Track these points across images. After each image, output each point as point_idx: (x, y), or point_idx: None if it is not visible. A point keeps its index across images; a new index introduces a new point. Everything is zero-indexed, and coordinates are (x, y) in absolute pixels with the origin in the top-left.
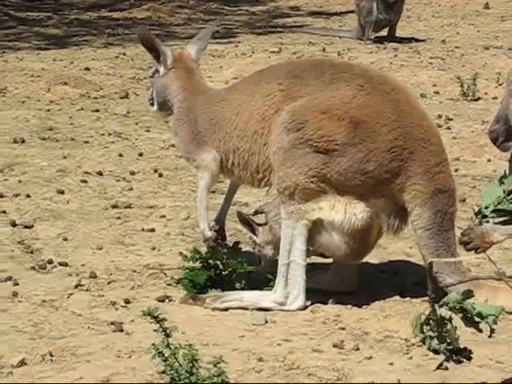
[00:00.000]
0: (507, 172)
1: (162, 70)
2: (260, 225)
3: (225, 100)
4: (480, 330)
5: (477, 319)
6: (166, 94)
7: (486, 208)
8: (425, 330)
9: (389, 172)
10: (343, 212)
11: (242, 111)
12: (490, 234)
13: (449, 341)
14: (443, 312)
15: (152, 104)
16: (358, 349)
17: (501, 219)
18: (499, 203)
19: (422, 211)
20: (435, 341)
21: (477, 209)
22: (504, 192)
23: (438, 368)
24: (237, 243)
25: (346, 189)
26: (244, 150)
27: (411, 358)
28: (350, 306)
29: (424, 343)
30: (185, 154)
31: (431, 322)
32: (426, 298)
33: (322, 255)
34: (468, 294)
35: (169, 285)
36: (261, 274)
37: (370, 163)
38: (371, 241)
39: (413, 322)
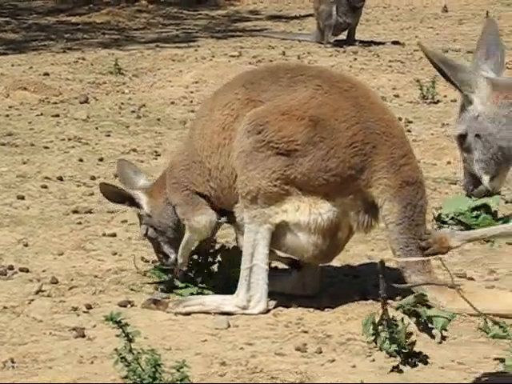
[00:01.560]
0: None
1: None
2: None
3: (190, 136)
4: (432, 336)
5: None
6: (167, 215)
7: (447, 215)
8: (379, 330)
9: (352, 168)
10: (308, 213)
11: (205, 132)
12: (449, 239)
13: (400, 342)
14: (399, 314)
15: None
16: (320, 352)
17: (457, 227)
18: (461, 214)
19: (392, 206)
20: (387, 342)
21: (436, 214)
22: (469, 207)
23: (392, 371)
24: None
25: (311, 189)
26: (215, 169)
27: (374, 360)
28: (312, 310)
29: (376, 343)
30: (182, 217)
31: (383, 322)
32: (389, 301)
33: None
34: (421, 297)
35: (131, 290)
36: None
37: (332, 160)
38: (340, 240)
39: (363, 321)
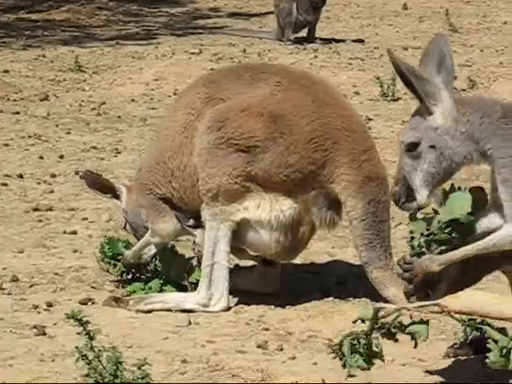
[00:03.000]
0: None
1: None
2: (198, 226)
3: (156, 139)
4: (396, 340)
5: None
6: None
7: (419, 237)
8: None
9: (313, 164)
10: (269, 210)
11: (168, 133)
12: (429, 266)
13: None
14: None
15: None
16: (281, 349)
17: (437, 250)
18: (431, 234)
19: (355, 202)
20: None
21: (410, 239)
22: (439, 222)
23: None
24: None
25: (272, 185)
26: (177, 169)
27: (335, 357)
28: (273, 307)
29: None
30: (146, 218)
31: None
32: (349, 298)
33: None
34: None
35: (92, 287)
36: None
37: (292, 156)
38: (303, 237)
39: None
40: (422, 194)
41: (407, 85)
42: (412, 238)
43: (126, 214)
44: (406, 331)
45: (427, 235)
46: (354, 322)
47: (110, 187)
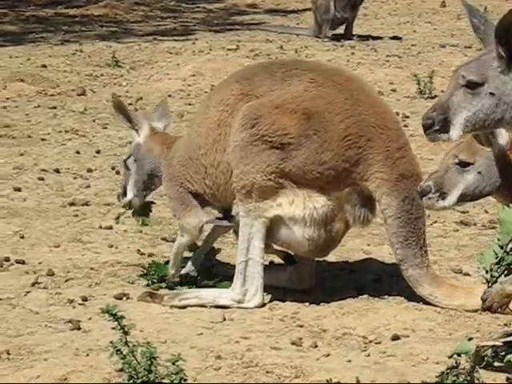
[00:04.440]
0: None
1: (141, 139)
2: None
3: (189, 134)
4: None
5: None
6: (151, 161)
7: (492, 267)
8: None
9: (347, 161)
10: (303, 207)
11: (201, 129)
12: (505, 289)
13: None
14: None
15: (124, 194)
16: (316, 346)
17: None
18: (501, 261)
19: (390, 199)
20: None
21: (482, 269)
22: (502, 248)
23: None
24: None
25: (305, 182)
26: (211, 166)
27: (369, 355)
28: (308, 304)
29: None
30: (173, 212)
31: None
32: (384, 296)
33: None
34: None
35: (129, 282)
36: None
37: (326, 153)
38: (336, 234)
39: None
40: (457, 131)
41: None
42: (486, 271)
43: (137, 149)
44: (505, 360)
45: (497, 263)
46: (450, 356)
47: (133, 117)
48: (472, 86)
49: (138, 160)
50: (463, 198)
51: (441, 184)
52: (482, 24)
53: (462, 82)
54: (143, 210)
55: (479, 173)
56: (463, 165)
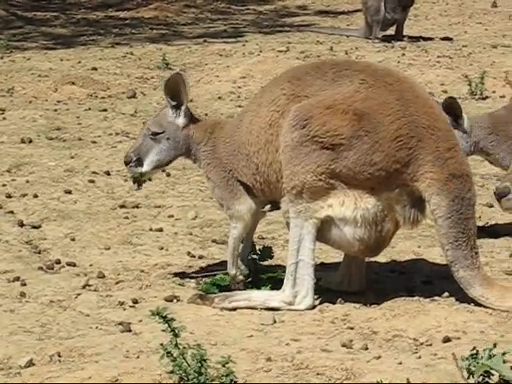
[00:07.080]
0: None
1: (181, 121)
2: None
3: (238, 126)
4: None
5: None
6: (187, 146)
7: None
8: None
9: (398, 162)
10: (354, 207)
11: (252, 127)
12: None
13: None
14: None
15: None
16: (366, 348)
17: None
18: None
19: (439, 199)
20: None
21: None
22: None
23: None
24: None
25: (356, 183)
26: (262, 164)
27: (420, 357)
28: (358, 306)
29: None
30: (219, 200)
31: None
32: (435, 298)
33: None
34: None
35: (179, 284)
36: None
37: (377, 154)
38: (387, 235)
39: None
40: None
41: None
42: None
43: (174, 129)
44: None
45: None
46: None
47: (180, 98)
48: None
49: (171, 139)
50: None
51: None
52: None
53: None
54: (144, 180)
55: None
56: None
